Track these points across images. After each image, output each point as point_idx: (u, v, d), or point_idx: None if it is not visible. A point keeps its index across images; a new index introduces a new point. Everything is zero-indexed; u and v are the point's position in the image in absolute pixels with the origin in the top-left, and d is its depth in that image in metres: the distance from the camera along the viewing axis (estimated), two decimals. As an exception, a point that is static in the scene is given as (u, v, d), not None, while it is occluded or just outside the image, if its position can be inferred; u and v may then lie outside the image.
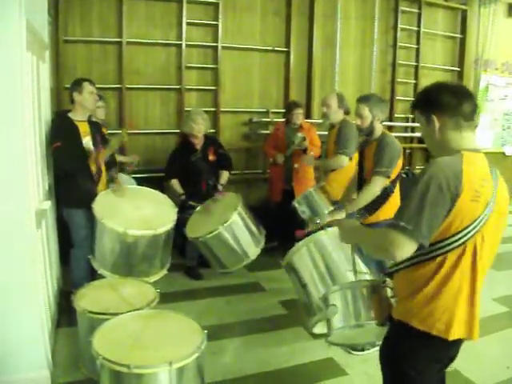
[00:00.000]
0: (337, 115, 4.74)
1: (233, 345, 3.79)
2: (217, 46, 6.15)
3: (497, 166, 5.98)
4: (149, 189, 4.26)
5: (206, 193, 4.89)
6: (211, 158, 5.08)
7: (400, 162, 3.69)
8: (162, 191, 4.41)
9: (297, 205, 4.40)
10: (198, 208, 4.60)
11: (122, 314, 2.86)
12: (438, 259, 1.90)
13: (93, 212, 3.73)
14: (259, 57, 6.52)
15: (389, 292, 2.35)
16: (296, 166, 5.61)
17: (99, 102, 4.75)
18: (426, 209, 1.77)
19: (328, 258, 2.90)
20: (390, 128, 7.60)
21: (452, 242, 1.87)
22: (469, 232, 1.85)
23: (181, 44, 5.94)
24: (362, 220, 3.62)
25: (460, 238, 1.86)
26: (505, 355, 3.78)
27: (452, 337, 1.93)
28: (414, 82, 7.78)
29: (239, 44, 6.33)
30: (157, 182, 5.04)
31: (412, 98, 7.83)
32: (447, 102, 1.92)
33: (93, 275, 3.92)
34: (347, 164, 4.61)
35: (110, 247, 3.76)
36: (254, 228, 4.38)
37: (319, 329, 2.96)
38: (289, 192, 5.65)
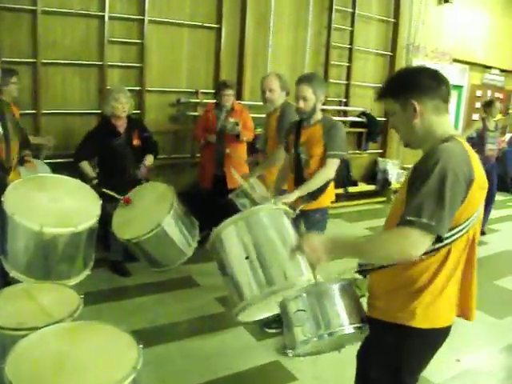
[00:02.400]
0: (280, 98, 4.41)
1: (169, 352, 3.43)
2: (143, 20, 5.61)
3: None
4: (68, 177, 3.72)
5: (129, 183, 4.30)
6: (135, 142, 4.61)
7: None
8: (84, 180, 3.92)
9: (235, 198, 4.09)
10: (121, 201, 4.13)
11: (40, 328, 2.40)
12: (443, 250, 1.80)
13: (2, 206, 3.20)
14: (188, 33, 6.05)
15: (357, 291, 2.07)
16: (228, 151, 5.29)
17: (13, 78, 4.25)
18: (446, 201, 1.64)
19: (262, 236, 2.49)
20: (322, 111, 7.41)
21: (459, 231, 1.77)
22: (473, 219, 1.79)
23: (103, 16, 5.36)
24: (304, 205, 3.37)
25: (466, 226, 1.78)
26: (454, 348, 3.65)
27: (452, 321, 1.91)
28: (348, 64, 7.65)
29: (167, 18, 5.82)
30: (75, 169, 4.52)
31: (345, 82, 7.70)
32: (427, 84, 1.82)
33: (4, 278, 3.39)
34: None
35: (23, 246, 3.23)
36: (188, 222, 4.01)
37: (245, 317, 2.59)
38: (220, 178, 5.34)
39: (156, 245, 3.76)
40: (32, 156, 4.15)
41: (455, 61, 9.18)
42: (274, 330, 3.75)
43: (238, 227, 2.33)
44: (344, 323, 1.92)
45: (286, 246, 2.23)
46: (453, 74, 9.12)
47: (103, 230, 4.00)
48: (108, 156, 4.48)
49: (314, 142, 3.46)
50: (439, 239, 1.67)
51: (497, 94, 10.41)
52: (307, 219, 3.49)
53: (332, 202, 3.74)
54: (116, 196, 4.01)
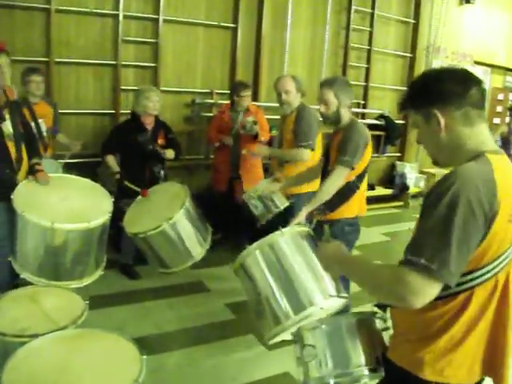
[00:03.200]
0: (296, 100, 4.30)
1: (175, 359, 3.33)
2: (158, 19, 5.53)
3: None
4: (77, 177, 3.65)
5: (149, 181, 4.37)
6: (160, 141, 4.63)
7: (368, 154, 3.29)
8: (95, 180, 3.85)
9: (248, 199, 3.99)
10: (138, 198, 4.08)
11: (42, 335, 2.32)
12: (462, 296, 1.49)
13: (12, 204, 3.13)
14: (204, 32, 5.95)
15: (379, 324, 1.88)
16: (244, 152, 5.18)
17: (32, 76, 4.35)
18: (453, 239, 1.33)
19: (287, 264, 2.40)
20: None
21: (482, 274, 1.46)
22: (504, 260, 1.47)
23: (118, 14, 5.29)
24: (320, 217, 3.21)
25: (493, 268, 1.46)
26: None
27: (474, 381, 1.58)
28: (366, 66, 7.50)
29: (182, 17, 5.73)
30: (89, 170, 4.47)
31: (363, 83, 7.56)
32: (450, 89, 1.50)
33: (14, 280, 3.33)
34: (309, 157, 4.18)
35: (33, 245, 3.16)
36: (201, 226, 3.92)
37: (276, 339, 2.50)
38: (235, 181, 5.23)
39: (164, 242, 3.68)
40: (54, 156, 4.14)
41: (476, 63, 8.96)
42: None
43: (262, 253, 2.23)
44: (361, 363, 1.76)
45: (309, 268, 2.10)
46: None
47: (115, 230, 3.97)
48: (132, 151, 4.47)
49: (335, 149, 3.26)
50: (448, 286, 1.38)
51: (518, 98, 10.19)
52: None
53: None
54: (137, 189, 4.02)
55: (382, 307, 1.80)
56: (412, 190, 8.38)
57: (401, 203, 8.42)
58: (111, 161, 4.46)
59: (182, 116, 6.02)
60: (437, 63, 8.41)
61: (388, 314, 1.80)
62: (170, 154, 4.62)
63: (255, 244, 2.27)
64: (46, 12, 4.97)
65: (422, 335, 1.57)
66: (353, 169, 3.15)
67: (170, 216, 3.61)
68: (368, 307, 2.01)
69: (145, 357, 2.18)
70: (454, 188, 1.36)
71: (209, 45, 6.02)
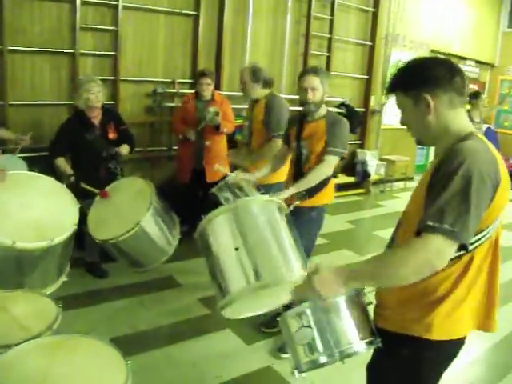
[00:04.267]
0: (254, 90, 4.24)
1: (153, 360, 3.21)
2: (117, 5, 5.30)
3: (402, 141, 5.91)
4: (41, 175, 3.42)
5: (105, 180, 4.04)
6: (111, 136, 4.34)
7: None
8: (52, 174, 3.65)
9: (218, 191, 3.90)
10: (97, 197, 3.89)
11: (16, 345, 2.16)
12: (465, 258, 1.65)
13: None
14: (165, 20, 5.76)
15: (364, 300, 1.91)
16: (207, 143, 5.09)
17: None
18: (471, 206, 1.47)
19: (253, 228, 2.27)
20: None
21: (484, 236, 1.63)
22: (498, 222, 1.66)
23: (75, 0, 5.03)
24: (299, 202, 3.17)
25: (490, 231, 1.64)
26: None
27: (469, 331, 1.77)
28: (327, 54, 7.48)
29: (142, 4, 5.53)
30: (45, 164, 4.24)
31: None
32: (440, 75, 1.66)
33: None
34: None
35: None
36: (169, 219, 3.81)
37: (231, 313, 2.35)
38: (199, 172, 5.14)
39: (135, 245, 3.55)
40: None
41: (432, 51, 9.08)
42: (272, 330, 3.58)
43: (229, 217, 2.20)
44: (354, 340, 1.77)
45: (278, 240, 2.14)
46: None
47: (78, 229, 3.77)
48: (82, 150, 4.20)
49: (316, 138, 3.34)
50: (463, 247, 1.48)
51: (471, 86, 10.39)
52: (301, 217, 3.23)
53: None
54: (95, 191, 3.78)
55: None
56: (373, 177, 8.46)
57: (363, 190, 8.50)
58: (62, 164, 4.14)
59: (143, 106, 5.82)
60: (395, 52, 8.49)
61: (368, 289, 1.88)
62: (125, 150, 4.38)
63: (221, 208, 2.23)
64: (-3, -2, 4.69)
65: (428, 300, 1.69)
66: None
67: (140, 217, 3.48)
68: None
69: (129, 362, 2.08)
70: (465, 164, 1.49)
71: (170, 33, 5.83)
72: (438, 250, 1.45)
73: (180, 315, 3.81)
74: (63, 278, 3.30)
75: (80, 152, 4.21)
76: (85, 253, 4.39)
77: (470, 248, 1.57)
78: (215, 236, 2.24)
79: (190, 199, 5.33)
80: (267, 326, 3.63)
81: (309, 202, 3.32)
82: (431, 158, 10.79)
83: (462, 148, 1.55)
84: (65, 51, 5.13)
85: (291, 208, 2.56)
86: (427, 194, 1.59)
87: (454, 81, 1.65)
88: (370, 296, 1.90)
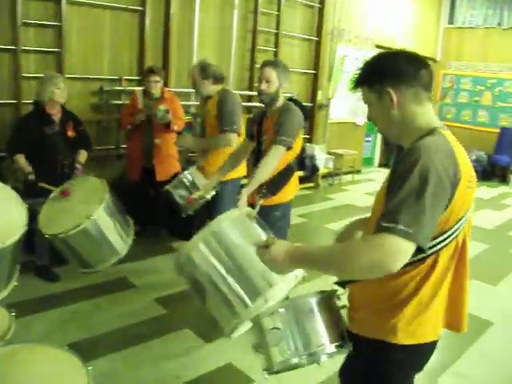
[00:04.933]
0: (204, 87, 4.18)
1: (112, 364, 3.15)
2: (60, 0, 5.14)
3: (349, 135, 6.04)
4: None
5: (61, 175, 4.05)
6: (70, 133, 4.31)
7: (301, 137, 3.42)
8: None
9: (172, 189, 3.87)
10: (52, 194, 3.79)
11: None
12: (429, 260, 1.60)
13: None
14: (110, 16, 5.63)
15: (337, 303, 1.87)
16: (157, 141, 5.04)
17: None
18: (427, 205, 1.43)
19: (233, 247, 2.27)
20: (249, 98, 7.27)
21: (447, 237, 1.58)
22: (463, 223, 1.61)
23: (15, -6, 4.85)
24: (263, 201, 3.15)
25: (455, 231, 1.59)
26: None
27: (439, 335, 1.74)
28: (274, 49, 7.50)
29: (87, -1, 5.39)
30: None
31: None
32: (404, 69, 1.63)
33: None
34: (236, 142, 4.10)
35: None
36: (122, 219, 3.74)
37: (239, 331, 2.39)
38: (148, 170, 5.09)
39: (85, 241, 3.46)
40: None
41: (377, 47, 9.26)
42: None
43: (207, 243, 2.13)
44: (325, 342, 1.74)
45: None
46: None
47: (27, 230, 3.65)
48: (40, 146, 4.12)
49: (271, 131, 3.29)
50: (421, 250, 1.44)
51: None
52: (267, 217, 3.22)
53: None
54: (55, 189, 3.68)
55: (342, 284, 1.82)
56: (322, 170, 8.56)
57: (312, 184, 8.59)
58: (22, 160, 4.06)
59: (89, 104, 5.68)
60: (341, 47, 8.60)
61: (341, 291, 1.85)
62: (83, 157, 4.40)
63: (197, 236, 2.16)
64: None
65: (392, 303, 1.65)
66: (289, 148, 3.21)
67: (90, 213, 3.40)
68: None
69: (90, 368, 2.03)
70: (422, 161, 1.45)
71: (116, 29, 5.70)
72: (392, 250, 1.39)
73: (137, 316, 3.75)
74: (13, 283, 3.18)
75: (37, 147, 4.13)
76: (35, 256, 4.25)
77: (433, 250, 1.56)
78: (200, 265, 2.16)
79: (140, 198, 5.27)
80: None
81: (273, 201, 3.30)
82: (377, 150, 11.03)
83: (420, 145, 1.52)
84: (5, 47, 4.93)
85: (257, 209, 2.53)
86: (386, 193, 1.55)
87: (419, 75, 1.62)
88: (343, 299, 1.87)
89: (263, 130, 3.41)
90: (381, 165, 11.11)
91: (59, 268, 4.25)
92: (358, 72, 1.74)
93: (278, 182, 3.30)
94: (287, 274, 1.86)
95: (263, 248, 1.73)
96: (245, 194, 2.98)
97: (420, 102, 1.64)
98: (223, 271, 2.11)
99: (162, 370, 3.12)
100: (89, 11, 5.43)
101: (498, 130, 10.74)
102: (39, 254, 4.25)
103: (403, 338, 1.64)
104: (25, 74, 5.03)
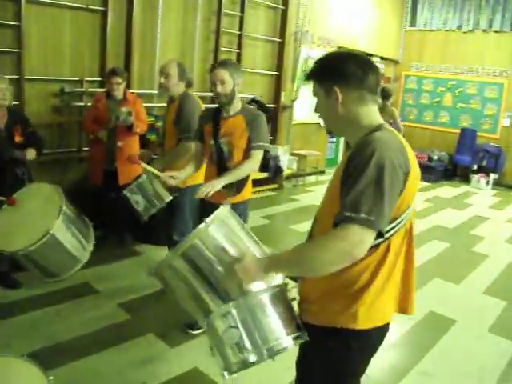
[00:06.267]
0: (177, 88, 4.10)
1: (75, 372, 3.08)
2: None
3: (312, 136, 6.08)
4: None
5: (11, 186, 3.81)
6: (18, 139, 4.09)
7: None
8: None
9: (129, 194, 3.83)
10: (3, 206, 3.68)
11: None
12: (382, 246, 1.70)
13: None
14: (71, 15, 5.50)
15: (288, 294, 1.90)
16: (120, 144, 4.98)
17: None
18: (385, 194, 1.54)
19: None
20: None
21: (398, 223, 1.69)
22: (410, 210, 1.73)
23: (-29, -7, 4.73)
24: (230, 199, 3.17)
25: (404, 218, 1.70)
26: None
27: (392, 317, 1.85)
28: (237, 51, 7.50)
29: (47, -2, 5.27)
30: None
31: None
32: (352, 72, 1.71)
33: None
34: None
35: None
36: (81, 225, 3.67)
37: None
38: (111, 173, 5.03)
39: (47, 254, 3.39)
40: None
41: (339, 48, 9.34)
42: (198, 331, 3.61)
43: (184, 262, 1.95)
44: (281, 335, 1.75)
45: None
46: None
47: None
48: None
49: (237, 134, 3.37)
50: (380, 235, 1.56)
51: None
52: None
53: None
54: (1, 198, 3.54)
55: (293, 278, 1.93)
56: (286, 172, 8.59)
57: (276, 185, 8.61)
58: None
59: (50, 106, 5.54)
60: (304, 49, 8.65)
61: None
62: (31, 154, 4.12)
63: (184, 243, 2.04)
64: None
65: (350, 291, 1.73)
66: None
67: (49, 225, 3.32)
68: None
69: (51, 378, 2.00)
70: (377, 154, 1.55)
71: (77, 29, 5.58)
72: (357, 239, 1.49)
73: (100, 323, 3.70)
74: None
75: None
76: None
77: (387, 236, 1.64)
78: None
79: (103, 202, 5.20)
80: (192, 327, 3.61)
81: (238, 198, 3.43)
82: (341, 152, 11.14)
83: (372, 139, 1.61)
84: (-39, 48, 4.80)
85: (228, 204, 2.52)
86: (341, 186, 1.64)
87: (366, 78, 1.71)
88: (293, 292, 1.91)
89: (221, 133, 3.42)
90: (344, 165, 11.19)
91: (20, 274, 4.16)
92: (312, 65, 1.84)
93: (241, 182, 3.43)
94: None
95: (236, 263, 1.78)
96: (219, 185, 3.14)
97: (364, 103, 1.73)
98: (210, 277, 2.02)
99: (127, 378, 3.08)
100: (49, 11, 5.30)
101: (458, 131, 10.96)
102: (-2, 260, 4.12)
103: (363, 323, 1.73)
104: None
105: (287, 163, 8.66)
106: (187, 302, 2.12)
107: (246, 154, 3.39)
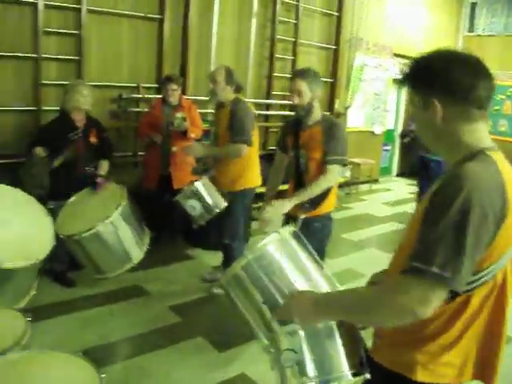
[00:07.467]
0: (225, 93, 4.18)
1: (125, 371, 3.15)
2: (80, 9, 5.20)
3: (367, 144, 5.84)
4: (8, 187, 3.35)
5: (81, 180, 4.12)
6: (93, 139, 4.35)
7: None
8: (15, 183, 3.57)
9: (183, 200, 3.87)
10: (71, 198, 3.85)
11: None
12: (460, 298, 1.41)
13: None
14: (129, 24, 5.67)
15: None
16: (174, 149, 5.05)
17: None
18: (467, 245, 1.25)
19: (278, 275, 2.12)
20: (267, 106, 7.28)
21: (484, 275, 1.38)
22: (505, 260, 1.41)
23: (37, 3, 4.91)
24: (303, 214, 3.14)
25: (492, 271, 1.39)
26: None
27: (464, 380, 1.50)
28: (292, 58, 7.50)
29: (106, 8, 5.43)
30: (7, 172, 4.18)
31: (289, 75, 7.54)
32: (458, 81, 1.39)
33: None
34: (246, 153, 4.09)
35: None
36: (138, 227, 3.76)
37: None
38: (165, 178, 5.11)
39: (99, 245, 3.54)
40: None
41: (396, 55, 9.22)
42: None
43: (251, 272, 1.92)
44: (343, 369, 1.65)
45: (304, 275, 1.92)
46: (394, 69, 9.19)
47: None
48: (61, 151, 4.14)
49: (313, 146, 3.24)
50: (455, 293, 1.32)
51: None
52: (307, 229, 2.85)
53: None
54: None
55: None
56: (338, 180, 8.47)
57: (328, 193, 8.52)
58: (38, 148, 4.03)
59: (107, 111, 5.70)
60: (359, 55, 8.58)
61: None
62: (104, 168, 4.39)
63: (245, 258, 2.02)
64: (-44, 1, 4.55)
65: (416, 337, 1.50)
66: (345, 165, 3.17)
67: (105, 216, 3.44)
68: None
69: (104, 375, 2.03)
70: (463, 194, 1.26)
71: (135, 37, 5.75)
72: (423, 296, 1.26)
73: (150, 324, 3.75)
74: (33, 292, 3.24)
75: (61, 153, 4.14)
76: (53, 262, 4.23)
77: (466, 289, 1.37)
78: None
79: (156, 205, 5.28)
80: None
81: (314, 212, 3.24)
82: (395, 160, 10.94)
83: (463, 172, 1.32)
84: (27, 55, 4.99)
85: (300, 224, 2.50)
86: (421, 223, 1.36)
87: (475, 90, 1.39)
88: None
89: (301, 143, 3.31)
90: (399, 174, 11.04)
91: (75, 273, 4.28)
92: (407, 67, 1.53)
93: (320, 196, 3.22)
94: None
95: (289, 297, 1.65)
96: (292, 204, 3.01)
97: (470, 120, 1.43)
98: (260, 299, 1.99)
99: (175, 379, 3.11)
100: (108, 19, 5.48)
101: (518, 140, 10.58)
102: (58, 259, 4.21)
103: (422, 375, 1.48)
104: (45, 82, 5.08)
105: (340, 171, 8.55)
106: (249, 315, 2.09)
107: (322, 168, 3.21)
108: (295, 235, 2.11)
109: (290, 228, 2.10)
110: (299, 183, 3.29)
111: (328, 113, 8.17)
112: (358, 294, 1.50)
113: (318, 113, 3.29)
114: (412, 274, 1.28)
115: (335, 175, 3.23)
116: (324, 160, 3.18)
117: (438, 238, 1.26)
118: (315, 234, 3.19)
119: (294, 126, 3.40)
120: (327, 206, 3.36)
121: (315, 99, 3.24)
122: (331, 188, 3.31)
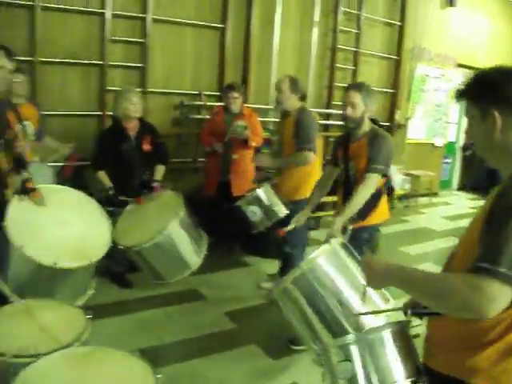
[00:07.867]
0: (290, 101, 4.19)
1: (178, 373, 3.17)
2: (145, 18, 5.36)
3: (427, 156, 5.19)
4: (71, 189, 3.46)
5: (138, 189, 4.14)
6: (145, 147, 4.33)
7: None
8: (82, 184, 3.69)
9: (245, 205, 3.89)
10: (128, 206, 3.92)
11: (45, 354, 2.14)
12: None
13: (4, 231, 2.93)
14: (192, 32, 5.80)
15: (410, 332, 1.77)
16: (235, 156, 5.08)
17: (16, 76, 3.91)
18: None
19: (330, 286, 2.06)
20: (327, 116, 7.24)
21: None
22: None
23: (104, 13, 5.10)
24: (352, 225, 3.11)
25: None
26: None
27: None
28: (353, 67, 7.44)
29: (171, 17, 5.57)
30: (73, 173, 4.31)
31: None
32: None
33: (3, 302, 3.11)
34: (312, 160, 4.10)
35: (27, 275, 3.00)
36: (196, 234, 3.79)
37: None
38: (224, 185, 5.13)
39: (159, 254, 3.57)
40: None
41: (459, 65, 9.01)
42: (300, 347, 3.48)
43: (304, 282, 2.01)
44: (399, 378, 1.65)
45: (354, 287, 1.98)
46: (457, 80, 8.97)
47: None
48: (117, 161, 4.22)
49: (360, 157, 3.22)
50: None
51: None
52: (355, 239, 2.86)
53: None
54: (131, 199, 3.93)
55: (421, 315, 1.72)
56: (398, 191, 8.35)
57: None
58: (103, 176, 4.18)
59: (169, 118, 5.84)
60: (421, 66, 8.43)
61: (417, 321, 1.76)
62: (160, 173, 4.40)
63: (295, 271, 2.04)
64: (30, 9, 4.76)
65: (475, 343, 1.50)
66: (384, 176, 3.17)
67: (164, 227, 3.48)
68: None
69: (159, 376, 2.05)
70: None
71: (197, 45, 5.87)
72: (491, 296, 1.27)
73: (205, 328, 3.78)
74: (91, 291, 3.32)
75: (115, 163, 4.22)
76: (111, 263, 4.34)
77: None
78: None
79: (215, 212, 5.32)
80: (294, 343, 3.57)
81: (361, 224, 3.20)
82: (456, 174, 10.65)
83: None
84: (94, 63, 5.19)
85: (348, 235, 2.48)
86: (485, 225, 1.40)
87: None
88: (417, 328, 1.80)
89: (350, 155, 3.31)
90: (459, 188, 10.74)
91: (133, 275, 4.37)
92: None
93: (367, 207, 3.17)
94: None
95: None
96: (339, 225, 2.95)
97: None
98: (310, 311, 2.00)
99: (229, 384, 3.12)
100: (172, 28, 5.62)
101: None
102: (116, 261, 4.30)
103: (485, 381, 1.49)
104: (110, 88, 5.23)
105: (400, 183, 8.42)
106: (300, 326, 2.09)
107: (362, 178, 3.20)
108: (344, 246, 2.11)
109: (339, 239, 2.11)
110: (348, 195, 3.24)
111: (388, 124, 8.08)
112: (435, 277, 1.46)
113: (367, 126, 3.26)
114: (481, 274, 1.29)
115: (372, 185, 3.12)
116: (366, 169, 3.15)
117: (506, 240, 1.29)
118: (363, 245, 3.14)
119: (345, 139, 3.40)
120: (376, 217, 3.32)
121: (367, 113, 3.23)
122: (379, 200, 3.27)
